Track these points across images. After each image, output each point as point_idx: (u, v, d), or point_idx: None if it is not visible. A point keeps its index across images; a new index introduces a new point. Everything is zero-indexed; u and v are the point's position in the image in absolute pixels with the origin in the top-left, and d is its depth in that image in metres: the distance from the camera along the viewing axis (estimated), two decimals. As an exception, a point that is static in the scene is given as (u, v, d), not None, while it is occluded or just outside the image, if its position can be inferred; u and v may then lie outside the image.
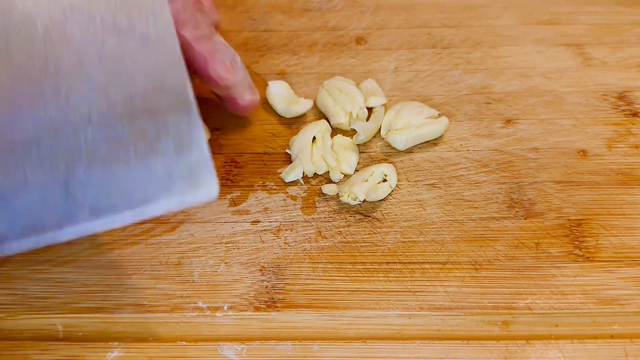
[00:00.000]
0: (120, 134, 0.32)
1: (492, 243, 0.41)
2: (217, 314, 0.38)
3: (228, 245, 0.42)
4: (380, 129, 0.49)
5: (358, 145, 0.48)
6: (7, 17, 0.30)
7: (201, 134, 0.32)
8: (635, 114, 0.52)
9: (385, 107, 0.50)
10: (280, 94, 0.50)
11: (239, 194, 0.45)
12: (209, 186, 0.32)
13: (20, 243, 0.32)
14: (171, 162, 0.32)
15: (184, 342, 0.37)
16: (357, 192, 0.43)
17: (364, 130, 0.47)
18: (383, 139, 0.48)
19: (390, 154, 0.48)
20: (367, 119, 0.49)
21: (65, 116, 0.31)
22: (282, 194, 0.45)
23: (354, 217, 0.43)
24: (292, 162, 0.46)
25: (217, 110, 0.49)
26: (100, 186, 0.31)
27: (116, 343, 0.37)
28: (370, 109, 0.50)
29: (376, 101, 0.50)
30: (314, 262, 0.41)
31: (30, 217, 0.32)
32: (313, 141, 0.47)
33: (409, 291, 0.39)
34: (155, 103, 0.32)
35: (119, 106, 0.32)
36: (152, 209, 0.32)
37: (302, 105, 0.50)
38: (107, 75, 0.32)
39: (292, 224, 0.43)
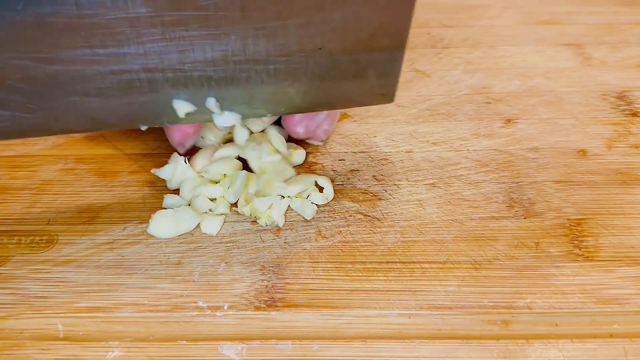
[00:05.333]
0: (340, 61, 0.41)
1: (491, 242, 0.41)
2: (218, 314, 0.38)
3: (228, 244, 0.42)
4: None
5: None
6: None
7: (399, 66, 0.43)
8: (634, 114, 0.52)
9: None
10: None
11: (239, 193, 0.45)
12: (390, 99, 0.45)
13: None
14: (370, 83, 0.43)
15: (184, 342, 0.37)
16: (275, 216, 0.43)
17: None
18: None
19: (390, 153, 0.48)
20: None
21: (300, 45, 0.39)
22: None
23: (354, 216, 0.44)
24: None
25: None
26: (310, 93, 0.43)
27: (116, 342, 0.37)
28: None
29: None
30: (314, 262, 0.41)
31: None
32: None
33: (409, 290, 0.39)
34: (377, 43, 0.40)
35: (346, 42, 0.40)
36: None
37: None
38: (343, 17, 0.38)
39: (292, 224, 0.43)
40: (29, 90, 0.38)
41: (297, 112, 0.45)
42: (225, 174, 0.45)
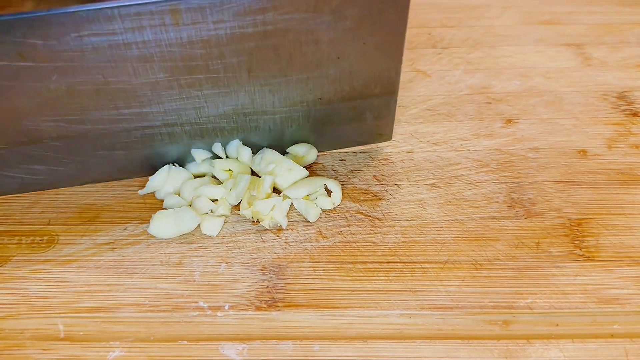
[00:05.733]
0: (338, 108, 0.45)
1: (492, 243, 0.41)
2: (218, 314, 0.38)
3: (229, 244, 0.42)
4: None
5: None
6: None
7: (393, 109, 0.47)
8: (635, 114, 0.52)
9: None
10: None
11: (239, 193, 0.45)
12: (388, 137, 0.49)
13: None
14: (367, 125, 0.47)
15: (185, 342, 0.37)
16: (279, 218, 0.43)
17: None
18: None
19: (390, 153, 0.48)
20: None
21: (302, 97, 0.44)
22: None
23: (354, 216, 0.44)
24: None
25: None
26: (313, 136, 0.47)
27: (117, 342, 0.37)
28: None
29: None
30: (314, 262, 0.41)
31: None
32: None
33: (410, 291, 0.39)
34: (371, 91, 0.45)
35: (343, 92, 0.44)
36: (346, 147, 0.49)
37: None
38: (338, 72, 0.43)
39: (293, 224, 0.43)
40: (62, 147, 0.43)
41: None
42: (231, 172, 0.46)
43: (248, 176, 0.45)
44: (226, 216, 0.44)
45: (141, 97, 0.41)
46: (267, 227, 0.43)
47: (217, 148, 0.46)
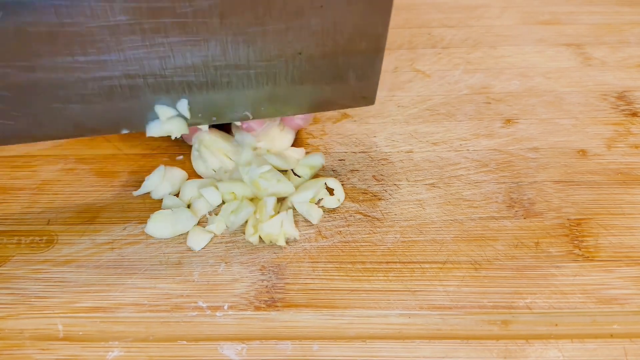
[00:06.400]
0: (319, 65, 0.42)
1: (491, 243, 0.41)
2: (218, 314, 0.38)
3: (228, 244, 0.42)
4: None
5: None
6: None
7: (378, 69, 0.43)
8: (634, 114, 0.52)
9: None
10: None
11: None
12: (371, 101, 0.46)
13: None
14: (350, 85, 0.44)
15: (185, 342, 0.37)
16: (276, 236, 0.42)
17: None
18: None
19: (389, 153, 0.48)
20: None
21: (279, 50, 0.40)
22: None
23: (353, 216, 0.44)
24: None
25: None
26: (292, 96, 0.43)
27: (116, 342, 0.37)
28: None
29: None
30: (313, 262, 0.41)
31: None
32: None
33: (409, 290, 0.39)
34: (355, 47, 0.41)
35: (325, 47, 0.41)
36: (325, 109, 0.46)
37: None
38: (321, 23, 0.39)
39: (292, 224, 0.43)
40: (11, 98, 0.39)
41: (279, 116, 0.46)
42: (234, 195, 0.44)
43: (251, 209, 0.43)
44: (215, 235, 0.43)
45: (99, 42, 0.37)
46: (285, 245, 0.41)
47: (183, 106, 0.42)
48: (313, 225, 0.43)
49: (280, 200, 0.45)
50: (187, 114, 0.42)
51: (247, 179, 0.44)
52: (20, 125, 0.40)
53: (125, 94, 0.40)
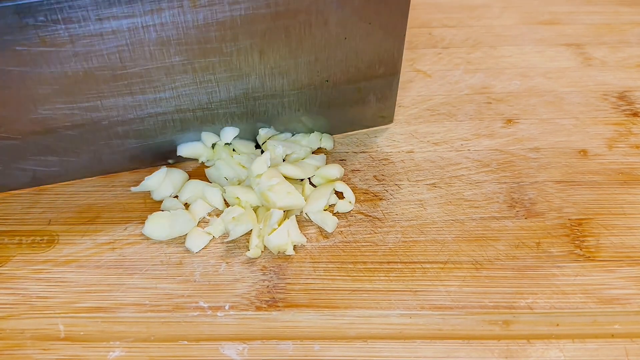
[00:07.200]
0: (344, 90, 0.47)
1: (493, 243, 0.41)
2: (219, 314, 0.38)
3: (229, 244, 0.42)
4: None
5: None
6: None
7: (395, 90, 0.48)
8: (635, 114, 0.52)
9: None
10: None
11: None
12: (389, 120, 0.51)
13: None
14: (371, 107, 0.49)
15: (186, 342, 0.37)
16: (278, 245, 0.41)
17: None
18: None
19: (390, 153, 0.48)
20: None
21: (310, 79, 0.45)
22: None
23: (355, 216, 0.44)
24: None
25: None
26: (320, 119, 0.49)
27: (117, 342, 0.37)
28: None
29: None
30: (315, 262, 0.41)
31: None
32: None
33: (410, 291, 0.39)
34: (374, 71, 0.46)
35: (349, 73, 0.46)
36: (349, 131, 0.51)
37: None
38: (345, 53, 0.44)
39: (293, 224, 0.43)
40: (76, 136, 0.43)
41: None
42: (239, 200, 0.44)
43: (250, 225, 0.42)
44: (214, 238, 0.43)
45: (156, 81, 0.42)
46: (293, 254, 0.41)
47: (226, 133, 0.47)
48: (314, 225, 0.43)
49: (287, 211, 0.44)
50: (229, 140, 0.47)
51: (257, 190, 0.43)
52: (81, 161, 0.45)
53: (176, 127, 0.45)
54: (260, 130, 0.48)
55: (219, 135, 0.47)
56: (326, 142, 0.49)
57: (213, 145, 0.47)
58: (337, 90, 0.47)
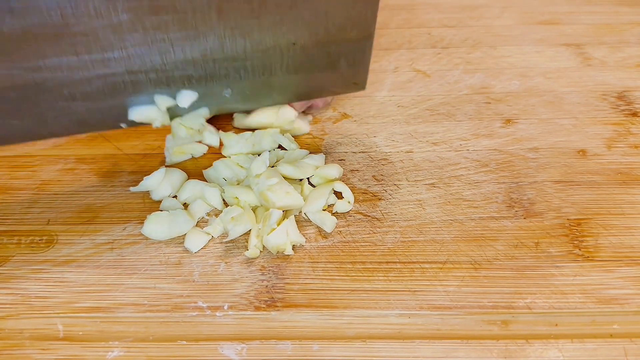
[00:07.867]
0: (313, 54, 0.44)
1: (491, 243, 0.41)
2: (218, 314, 0.38)
3: (228, 244, 0.42)
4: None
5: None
6: None
7: (368, 55, 0.46)
8: (634, 114, 0.52)
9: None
10: None
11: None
12: (362, 87, 0.49)
13: None
14: (341, 72, 0.46)
15: (184, 342, 0.37)
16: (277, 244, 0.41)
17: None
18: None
19: (389, 153, 0.48)
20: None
21: (275, 41, 0.42)
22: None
23: (353, 216, 0.44)
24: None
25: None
26: (288, 84, 0.46)
27: (116, 342, 0.37)
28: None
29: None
30: (313, 262, 0.41)
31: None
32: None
33: (409, 291, 0.39)
34: (346, 34, 0.43)
35: (318, 36, 0.43)
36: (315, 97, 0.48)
37: None
38: (313, 13, 0.41)
39: (292, 224, 0.43)
40: (17, 98, 0.40)
41: (275, 105, 0.47)
42: (237, 200, 0.44)
43: (249, 225, 0.42)
44: (213, 238, 0.43)
45: (103, 41, 0.39)
46: (291, 254, 0.41)
47: (182, 97, 0.44)
48: (313, 225, 0.43)
49: (285, 211, 0.44)
50: (186, 105, 0.44)
51: (256, 190, 0.44)
52: (25, 124, 0.42)
53: (127, 90, 0.42)
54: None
55: (175, 99, 0.44)
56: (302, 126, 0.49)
57: (169, 110, 0.45)
58: (305, 54, 0.44)
